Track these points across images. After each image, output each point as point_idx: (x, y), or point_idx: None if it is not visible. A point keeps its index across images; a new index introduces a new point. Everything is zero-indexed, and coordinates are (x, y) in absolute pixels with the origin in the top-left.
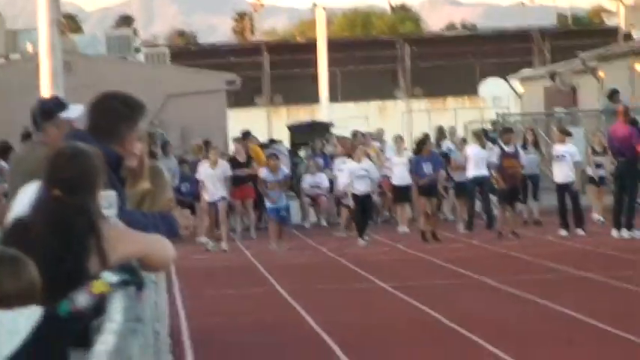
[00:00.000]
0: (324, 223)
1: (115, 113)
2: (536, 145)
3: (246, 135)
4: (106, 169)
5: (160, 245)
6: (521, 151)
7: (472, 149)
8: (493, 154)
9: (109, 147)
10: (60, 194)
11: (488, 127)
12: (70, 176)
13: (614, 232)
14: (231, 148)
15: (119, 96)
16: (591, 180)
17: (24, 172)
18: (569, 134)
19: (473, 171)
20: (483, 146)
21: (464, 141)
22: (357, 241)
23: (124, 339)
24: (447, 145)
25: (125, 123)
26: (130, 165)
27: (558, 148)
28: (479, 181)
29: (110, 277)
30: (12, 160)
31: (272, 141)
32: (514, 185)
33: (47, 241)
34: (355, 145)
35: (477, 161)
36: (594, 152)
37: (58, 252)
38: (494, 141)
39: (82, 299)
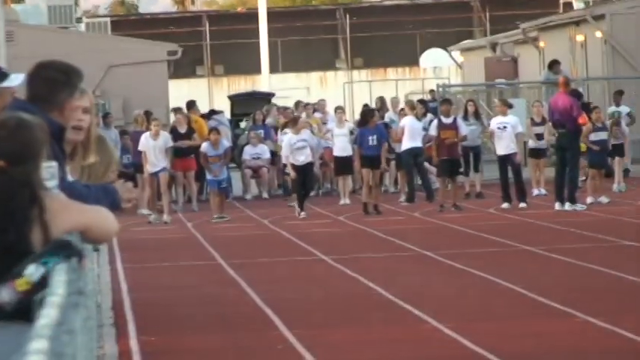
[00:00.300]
0: (265, 195)
1: (52, 81)
2: (476, 116)
3: (191, 105)
4: (49, 140)
5: (102, 217)
6: (460, 122)
7: (407, 120)
8: (432, 125)
9: (50, 116)
10: (4, 165)
11: (428, 97)
12: (14, 148)
13: (557, 205)
14: (172, 118)
15: (55, 64)
16: (531, 152)
17: None
18: (510, 106)
19: (408, 142)
20: (418, 117)
21: (402, 111)
22: (298, 213)
23: (66, 312)
24: (389, 115)
25: (63, 90)
26: (76, 139)
27: (500, 120)
28: (414, 153)
29: (33, 274)
30: None
31: (213, 111)
32: (453, 157)
33: None
34: (297, 116)
35: (412, 132)
36: (534, 123)
37: (1, 224)
38: (435, 112)
39: (4, 294)
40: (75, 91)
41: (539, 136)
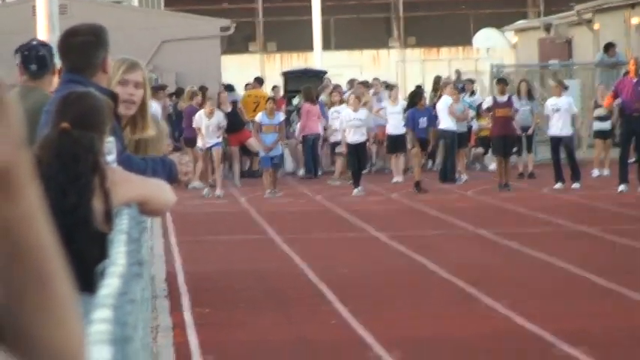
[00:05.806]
0: (318, 171)
1: (85, 46)
2: (529, 96)
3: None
4: (112, 118)
5: (160, 190)
6: (515, 100)
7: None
8: (486, 103)
9: (102, 86)
10: (68, 127)
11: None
12: (78, 112)
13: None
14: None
15: (80, 29)
16: (597, 134)
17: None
18: (566, 87)
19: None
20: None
21: (461, 90)
22: (352, 191)
23: (128, 282)
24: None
25: (98, 50)
26: (127, 113)
27: (553, 101)
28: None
29: None
30: None
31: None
32: (507, 135)
33: (52, 175)
34: (354, 93)
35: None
36: (597, 105)
37: (63, 186)
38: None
39: None
40: (108, 46)
41: (603, 118)
